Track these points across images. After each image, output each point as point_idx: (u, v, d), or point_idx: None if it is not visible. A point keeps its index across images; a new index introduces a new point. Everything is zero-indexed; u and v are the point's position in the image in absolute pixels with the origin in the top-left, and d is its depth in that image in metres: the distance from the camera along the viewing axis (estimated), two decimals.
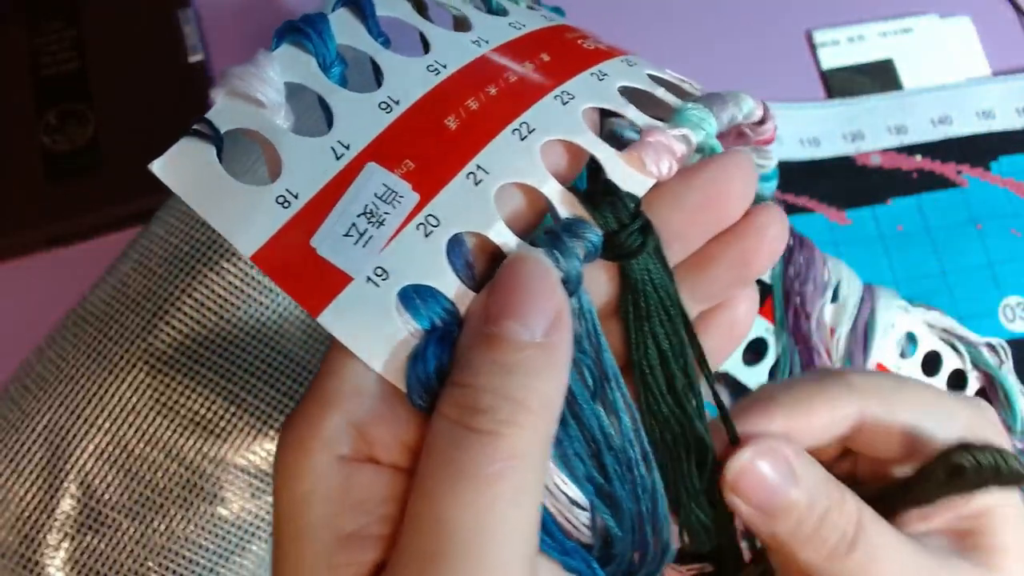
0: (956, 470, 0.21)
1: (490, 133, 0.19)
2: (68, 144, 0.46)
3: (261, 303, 0.38)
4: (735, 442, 0.21)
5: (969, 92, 0.48)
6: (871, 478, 0.25)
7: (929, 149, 0.47)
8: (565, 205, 0.19)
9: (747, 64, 0.50)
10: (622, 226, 0.19)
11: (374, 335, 0.18)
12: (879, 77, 0.49)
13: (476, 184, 0.19)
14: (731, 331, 0.22)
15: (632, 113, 0.21)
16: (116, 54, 0.48)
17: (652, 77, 0.22)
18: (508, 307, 0.18)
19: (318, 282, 0.18)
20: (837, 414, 0.23)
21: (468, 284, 0.19)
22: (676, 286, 0.20)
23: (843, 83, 0.49)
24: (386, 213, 0.18)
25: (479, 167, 0.19)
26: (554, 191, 0.19)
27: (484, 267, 0.19)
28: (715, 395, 0.22)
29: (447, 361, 0.18)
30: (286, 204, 0.19)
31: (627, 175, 0.19)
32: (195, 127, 0.19)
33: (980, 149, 0.47)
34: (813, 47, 0.50)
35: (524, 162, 0.19)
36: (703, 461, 0.21)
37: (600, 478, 0.19)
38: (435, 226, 0.18)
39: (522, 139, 0.19)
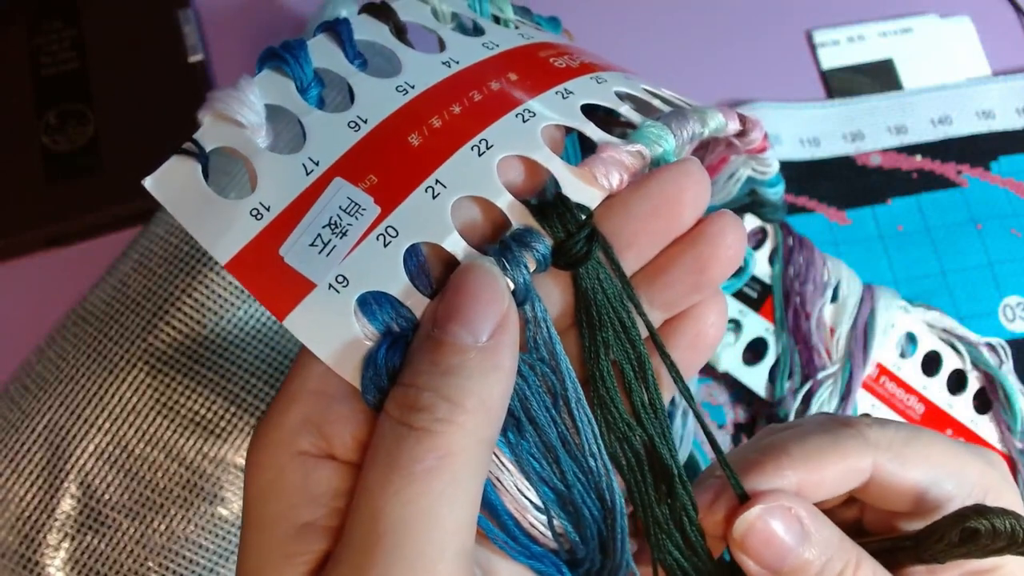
0: (971, 535, 0.21)
1: (450, 149, 0.20)
2: (68, 144, 0.46)
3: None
4: (743, 499, 0.21)
5: (969, 92, 0.48)
6: (878, 528, 0.24)
7: (929, 149, 0.47)
8: (517, 216, 0.20)
9: (747, 64, 0.50)
10: (569, 235, 0.20)
11: (334, 338, 0.19)
12: (879, 77, 0.49)
13: (434, 197, 0.20)
14: (697, 342, 0.22)
15: (589, 130, 0.21)
16: (116, 54, 0.48)
17: (619, 94, 0.23)
18: (454, 312, 0.18)
19: (284, 288, 0.19)
20: (850, 469, 0.22)
21: (424, 291, 0.20)
22: (632, 293, 0.21)
23: (843, 83, 0.49)
24: (349, 224, 0.20)
25: (438, 181, 0.20)
26: (507, 203, 0.20)
27: (441, 275, 0.20)
28: (708, 435, 0.21)
29: (399, 363, 0.19)
30: (259, 216, 0.20)
31: (578, 188, 0.20)
32: (183, 146, 0.21)
33: (980, 149, 0.47)
34: (813, 47, 0.50)
35: (480, 176, 0.20)
36: (671, 490, 0.21)
37: (558, 482, 0.20)
38: (394, 236, 0.20)
39: (480, 155, 0.20)
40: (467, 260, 0.20)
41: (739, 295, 0.42)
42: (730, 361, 0.41)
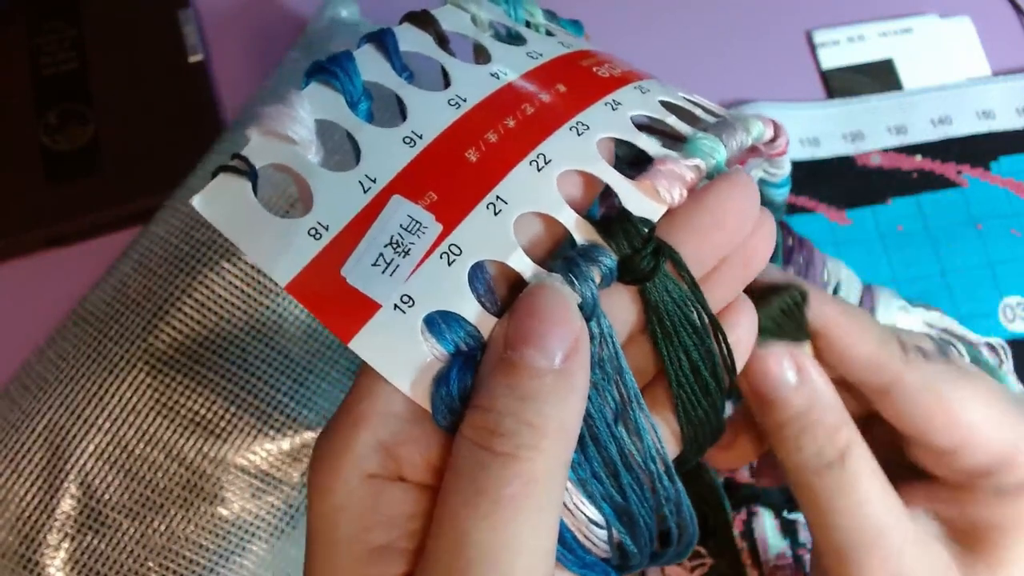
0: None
1: (508, 164, 0.20)
2: (68, 144, 0.46)
3: (261, 303, 0.38)
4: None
5: (969, 92, 0.48)
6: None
7: (929, 149, 0.47)
8: (581, 232, 0.20)
9: (747, 64, 0.50)
10: (635, 250, 0.20)
11: (402, 359, 0.19)
12: (879, 77, 0.49)
13: (496, 214, 0.20)
14: (736, 350, 0.22)
15: (644, 142, 0.21)
16: (116, 54, 0.48)
17: (664, 104, 0.23)
18: (527, 334, 0.18)
19: (349, 310, 0.19)
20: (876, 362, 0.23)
21: (490, 310, 0.19)
22: (704, 301, 0.21)
23: (843, 83, 0.49)
24: (411, 243, 0.19)
25: (498, 197, 0.20)
26: (570, 219, 0.20)
27: (505, 293, 0.20)
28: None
29: (470, 384, 0.19)
30: (317, 236, 0.20)
31: (640, 202, 0.20)
32: (231, 163, 0.20)
33: (980, 149, 0.47)
34: (813, 47, 0.50)
35: (541, 192, 0.20)
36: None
37: (618, 497, 0.20)
38: (457, 255, 0.19)
39: (539, 170, 0.20)
40: (534, 278, 0.19)
41: None
42: None
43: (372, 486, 0.19)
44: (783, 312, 0.22)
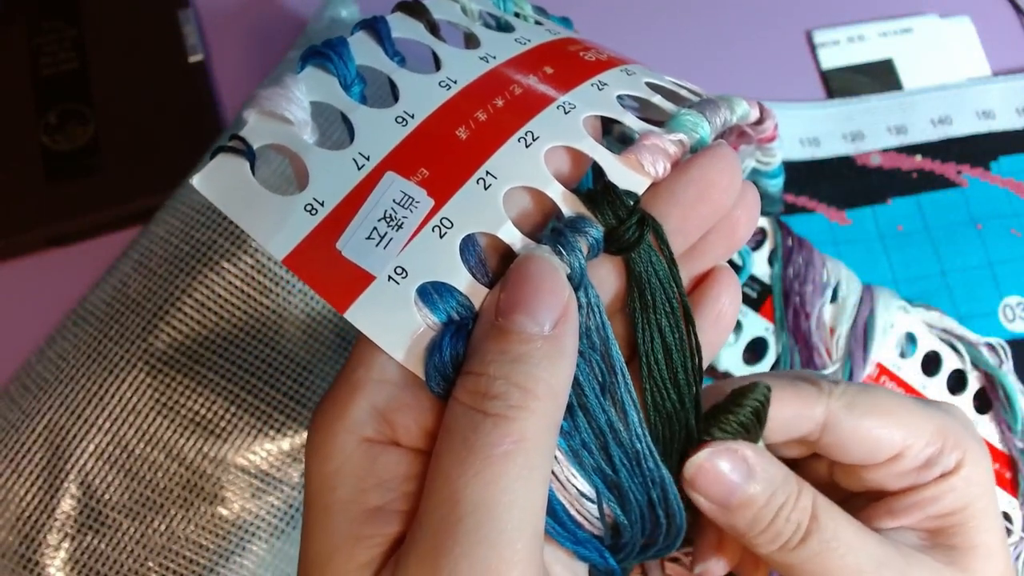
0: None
1: (498, 141, 0.21)
2: (68, 144, 0.46)
3: (261, 303, 0.38)
4: (699, 439, 0.22)
5: (969, 92, 0.48)
6: (850, 484, 0.26)
7: (929, 149, 0.47)
8: (568, 205, 0.21)
9: (747, 64, 0.50)
10: (620, 221, 0.20)
11: (396, 328, 0.20)
12: (879, 77, 0.49)
13: (486, 188, 0.20)
14: (719, 323, 0.23)
15: (629, 119, 0.22)
16: (116, 54, 0.48)
17: (650, 85, 0.23)
18: (518, 302, 0.19)
19: (344, 282, 0.20)
20: (803, 412, 0.24)
21: (481, 280, 0.20)
22: (678, 276, 0.21)
23: (843, 83, 0.49)
24: (404, 217, 0.20)
25: (488, 173, 0.20)
26: (557, 192, 0.21)
27: (496, 264, 0.21)
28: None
29: (462, 351, 0.19)
30: (313, 212, 0.20)
31: (625, 175, 0.21)
32: (230, 143, 0.21)
33: (980, 149, 0.47)
34: (813, 47, 0.50)
35: (529, 167, 0.21)
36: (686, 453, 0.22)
37: (608, 469, 0.20)
38: (449, 228, 0.20)
39: (527, 146, 0.21)
40: (524, 249, 0.20)
41: None
42: (730, 360, 0.41)
43: (368, 450, 0.20)
44: (754, 414, 0.22)
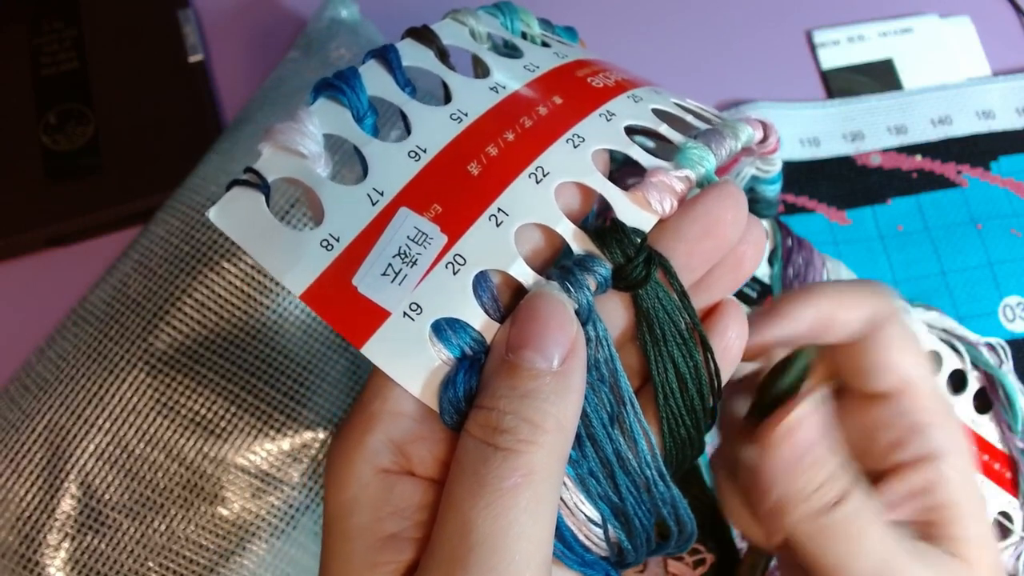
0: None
1: (509, 177, 0.21)
2: (68, 144, 0.46)
3: (261, 303, 0.38)
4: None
5: (969, 92, 0.48)
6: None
7: (929, 149, 0.47)
8: (578, 242, 0.21)
9: (747, 64, 0.50)
10: (628, 259, 0.21)
11: (411, 363, 0.20)
12: (879, 77, 0.49)
13: (498, 225, 0.21)
14: (726, 356, 0.23)
15: (636, 154, 0.22)
16: (116, 54, 0.48)
17: (656, 112, 0.23)
18: (527, 338, 0.20)
19: (360, 317, 0.20)
20: (861, 314, 0.25)
21: (494, 316, 0.21)
22: (693, 311, 0.22)
23: (843, 83, 0.49)
24: (418, 254, 0.20)
25: (500, 209, 0.21)
26: (568, 230, 0.21)
27: (508, 300, 0.21)
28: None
29: (475, 385, 0.20)
30: (329, 247, 0.21)
31: (633, 213, 0.21)
32: (244, 176, 0.21)
33: (980, 149, 0.47)
34: (813, 47, 0.50)
35: (540, 204, 0.21)
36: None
37: (614, 496, 0.21)
38: (462, 264, 0.20)
39: (538, 182, 0.21)
40: (534, 286, 0.20)
41: (739, 295, 0.42)
42: None
43: (384, 480, 0.21)
44: (799, 377, 0.23)
